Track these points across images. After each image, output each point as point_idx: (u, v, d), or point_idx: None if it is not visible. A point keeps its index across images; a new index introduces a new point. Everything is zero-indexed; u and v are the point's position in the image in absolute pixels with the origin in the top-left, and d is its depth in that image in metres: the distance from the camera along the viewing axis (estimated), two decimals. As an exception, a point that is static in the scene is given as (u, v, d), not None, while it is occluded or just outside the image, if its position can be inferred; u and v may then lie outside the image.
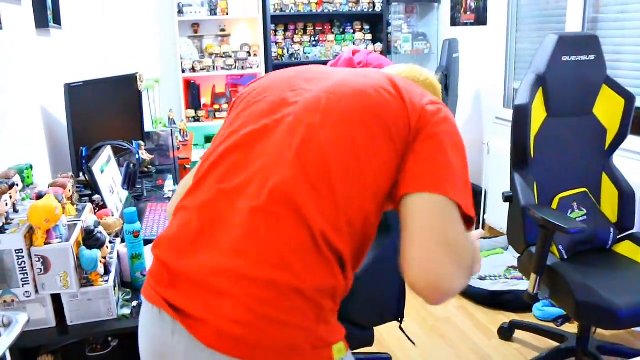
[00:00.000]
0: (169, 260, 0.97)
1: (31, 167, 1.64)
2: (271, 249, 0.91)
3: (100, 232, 1.52)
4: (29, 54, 2.02)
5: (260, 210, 0.93)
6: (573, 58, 2.31)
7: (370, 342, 1.97)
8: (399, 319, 2.00)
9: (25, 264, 1.33)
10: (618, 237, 2.37)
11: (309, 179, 0.94)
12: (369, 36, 4.80)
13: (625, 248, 2.34)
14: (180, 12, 4.27)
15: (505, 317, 2.86)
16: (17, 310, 1.37)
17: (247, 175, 0.98)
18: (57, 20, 2.40)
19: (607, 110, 2.39)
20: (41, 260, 1.36)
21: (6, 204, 1.34)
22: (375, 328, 1.99)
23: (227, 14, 4.37)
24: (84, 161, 2.07)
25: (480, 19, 4.03)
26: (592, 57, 2.33)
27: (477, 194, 3.97)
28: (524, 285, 3.05)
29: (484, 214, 3.95)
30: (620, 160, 2.55)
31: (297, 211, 0.92)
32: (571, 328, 2.67)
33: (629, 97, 2.34)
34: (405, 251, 0.92)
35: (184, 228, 1.00)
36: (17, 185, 1.43)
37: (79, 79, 2.22)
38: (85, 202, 1.78)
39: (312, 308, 0.90)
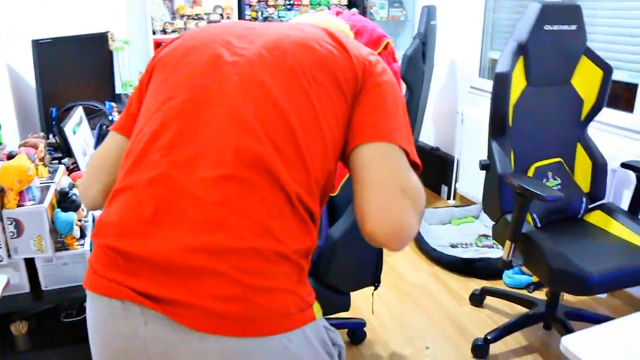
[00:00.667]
0: (122, 246, 0.88)
1: (0, 126, 1.56)
2: (250, 217, 0.86)
3: (75, 195, 1.47)
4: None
5: (230, 177, 0.87)
6: (555, 27, 2.30)
7: (346, 307, 1.97)
8: (376, 284, 2.01)
9: (-3, 226, 1.28)
10: (589, 206, 2.42)
11: (274, 142, 0.90)
12: (344, 2, 4.72)
13: (596, 217, 2.38)
14: (150, -30, 4.11)
15: (477, 284, 2.91)
16: (-10, 274, 1.32)
17: (200, 144, 0.91)
18: (23, -27, 2.28)
19: (585, 81, 2.40)
20: (14, 223, 1.31)
21: (-24, 164, 1.28)
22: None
23: (200, -26, 4.24)
24: (54, 122, 1.99)
25: (458, -15, 4.00)
26: (573, 27, 2.33)
27: (449, 162, 4.00)
28: (495, 253, 3.10)
29: (455, 182, 3.98)
30: (594, 132, 2.59)
31: (271, 175, 0.89)
32: (539, 295, 2.74)
33: (607, 69, 2.35)
34: (363, 201, 0.92)
35: (135, 209, 0.90)
36: (-13, 144, 1.37)
37: (46, 36, 2.12)
38: (56, 166, 1.72)
39: (295, 270, 0.90)
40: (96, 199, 1.06)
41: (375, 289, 2.02)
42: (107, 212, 0.94)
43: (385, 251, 3.24)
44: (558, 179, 2.38)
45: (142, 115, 1.01)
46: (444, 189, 4.11)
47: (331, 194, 1.98)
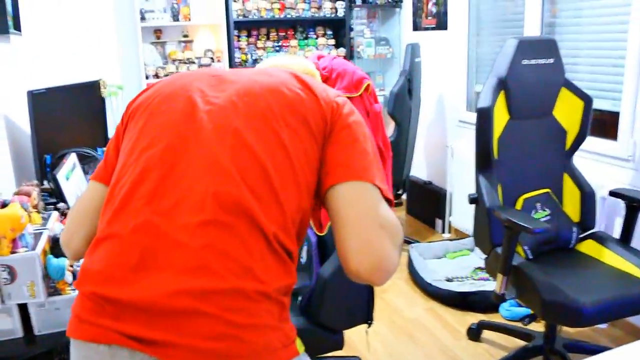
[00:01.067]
0: (109, 293, 0.89)
1: (-6, 175, 1.60)
2: (232, 259, 0.89)
3: (68, 240, 1.49)
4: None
5: (210, 222, 0.90)
6: (533, 61, 2.37)
7: (339, 346, 1.97)
8: (369, 322, 2.01)
9: (-10, 274, 1.30)
10: (580, 236, 2.44)
11: (251, 186, 0.94)
12: (332, 41, 4.83)
13: (587, 247, 2.40)
14: (142, 18, 4.22)
15: (474, 317, 2.90)
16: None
17: (180, 191, 0.94)
18: (17, 27, 2.35)
19: (567, 112, 2.46)
20: (7, 270, 1.33)
21: (-30, 213, 1.31)
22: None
23: (190, 20, 4.35)
24: (48, 169, 2.03)
25: (441, 23, 4.11)
26: (550, 60, 2.40)
27: (442, 196, 4.03)
28: (491, 285, 3.08)
29: (449, 215, 4.01)
30: (580, 161, 2.63)
31: (250, 218, 0.92)
32: (538, 327, 2.73)
33: (587, 99, 2.41)
34: (344, 240, 0.95)
35: (120, 257, 0.92)
36: (-19, 193, 1.40)
37: (41, 86, 2.18)
38: (51, 211, 1.75)
39: (276, 307, 0.92)
40: (79, 248, 1.07)
41: (369, 326, 2.02)
42: (91, 260, 0.95)
43: (379, 287, 3.25)
44: (547, 209, 2.41)
45: (121, 164, 1.03)
46: (438, 222, 4.13)
47: (319, 234, 2.01)
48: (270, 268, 0.93)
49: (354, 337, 2.71)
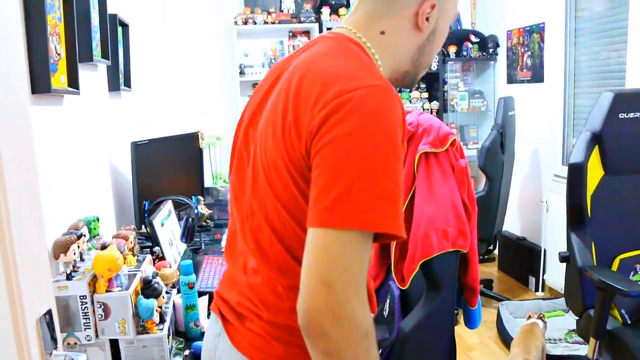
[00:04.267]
0: (219, 289, 1.12)
1: (98, 219, 1.75)
2: (256, 292, 0.99)
3: (158, 283, 1.59)
4: (102, 114, 2.17)
5: (247, 254, 1.01)
6: (631, 115, 2.27)
7: (420, 402, 1.92)
8: (451, 378, 1.95)
9: (87, 309, 1.41)
10: (686, 301, 2.26)
11: (269, 221, 0.94)
12: (425, 94, 4.86)
13: (694, 313, 2.22)
14: (242, 72, 4.48)
15: (567, 383, 2.73)
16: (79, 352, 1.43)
17: (239, 217, 1.04)
18: (128, 83, 2.58)
19: (669, 168, 2.33)
20: (102, 306, 1.44)
21: (74, 253, 1.43)
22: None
23: (287, 75, 4.54)
24: (146, 214, 2.18)
25: (537, 76, 4.04)
26: (650, 114, 2.29)
27: (536, 253, 3.87)
28: (586, 350, 2.91)
29: (543, 273, 3.83)
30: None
31: (265, 257, 0.96)
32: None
33: (692, 155, 2.27)
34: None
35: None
36: (85, 235, 1.53)
37: (145, 137, 2.36)
38: (146, 253, 1.88)
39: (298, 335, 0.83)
40: None
41: (451, 382, 1.96)
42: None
43: (466, 344, 3.13)
44: (648, 271, 2.26)
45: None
46: (532, 280, 3.95)
47: (402, 287, 2.00)
48: (284, 305, 1.00)
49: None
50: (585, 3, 3.58)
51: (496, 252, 4.46)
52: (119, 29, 2.43)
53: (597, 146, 2.26)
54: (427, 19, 0.99)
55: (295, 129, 0.86)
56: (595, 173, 2.27)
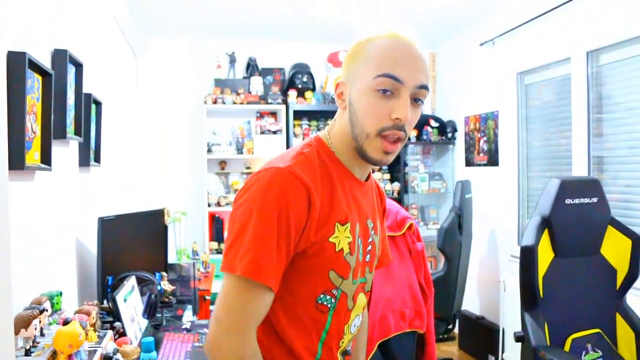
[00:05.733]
0: None
1: (61, 293, 1.75)
2: None
3: (118, 359, 1.59)
4: (71, 189, 2.21)
5: None
6: (576, 201, 2.42)
7: None
8: None
9: (46, 387, 1.40)
10: (639, 381, 2.33)
11: None
12: (387, 175, 5.02)
13: (646, 392, 2.29)
14: (209, 150, 4.57)
15: None
16: None
17: None
18: (97, 159, 2.64)
19: (615, 250, 2.46)
20: (61, 384, 1.43)
21: (35, 329, 1.44)
22: None
23: (253, 153, 4.66)
24: (109, 290, 2.18)
25: (493, 159, 4.24)
26: (594, 199, 2.44)
27: (495, 332, 3.93)
28: None
29: (502, 352, 3.86)
30: (635, 300, 2.56)
31: None
32: None
33: (635, 238, 2.41)
34: None
35: None
36: (47, 310, 1.54)
37: (111, 213, 2.40)
38: (107, 329, 1.87)
39: None
40: None
41: None
42: None
43: None
44: (599, 351, 2.34)
45: None
46: (491, 358, 3.98)
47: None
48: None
49: None
50: (536, 94, 3.84)
51: (456, 330, 4.49)
52: (93, 106, 2.51)
53: (546, 230, 2.39)
54: (341, 97, 1.15)
55: None
56: (545, 255, 2.38)
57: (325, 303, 1.11)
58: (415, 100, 1.10)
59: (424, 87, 1.09)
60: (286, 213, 1.01)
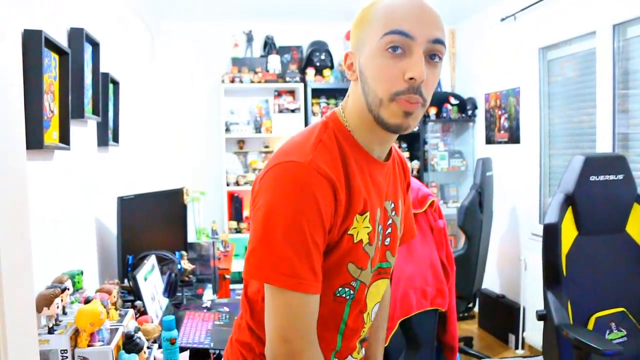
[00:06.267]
0: None
1: (82, 272, 1.76)
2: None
3: (140, 338, 1.60)
4: (90, 169, 2.22)
5: None
6: (601, 178, 2.37)
7: None
8: None
9: (68, 364, 1.41)
10: (662, 360, 2.29)
11: None
12: (406, 154, 4.97)
13: (670, 372, 2.25)
14: (227, 129, 4.56)
15: None
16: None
17: None
18: (116, 139, 2.63)
19: (641, 229, 2.41)
20: (83, 361, 1.44)
21: (57, 307, 1.45)
22: None
23: (271, 132, 4.64)
24: (129, 269, 2.20)
25: (514, 137, 4.17)
26: (620, 176, 2.39)
27: (515, 310, 3.90)
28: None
29: (523, 331, 3.84)
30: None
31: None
32: None
33: (662, 216, 2.36)
34: None
35: None
36: (68, 289, 1.55)
37: (130, 192, 2.40)
38: (128, 308, 1.88)
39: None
40: None
41: None
42: None
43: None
44: (623, 330, 2.30)
45: None
46: (511, 337, 3.96)
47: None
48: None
49: None
50: (558, 70, 3.75)
51: (476, 309, 4.47)
52: (110, 86, 2.51)
53: (570, 207, 2.34)
54: (351, 68, 1.06)
55: None
56: (569, 233, 2.34)
57: (344, 295, 1.06)
58: (432, 58, 0.97)
59: (439, 42, 0.96)
60: (318, 215, 0.94)
